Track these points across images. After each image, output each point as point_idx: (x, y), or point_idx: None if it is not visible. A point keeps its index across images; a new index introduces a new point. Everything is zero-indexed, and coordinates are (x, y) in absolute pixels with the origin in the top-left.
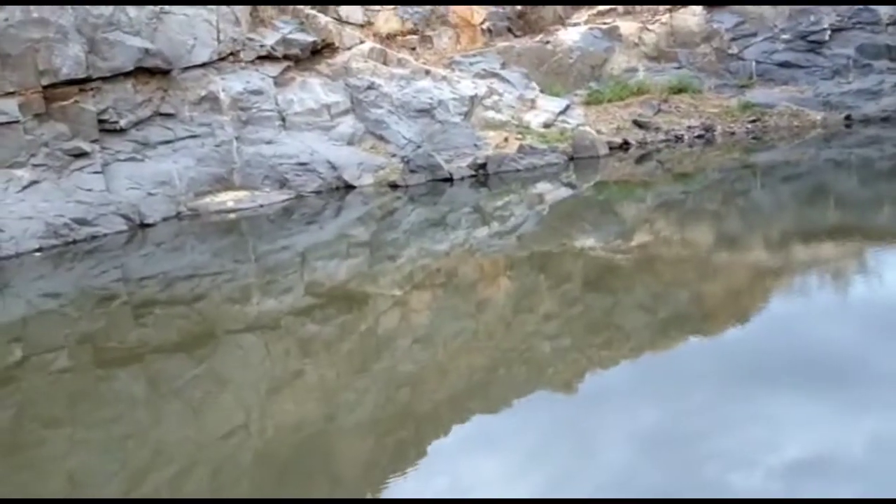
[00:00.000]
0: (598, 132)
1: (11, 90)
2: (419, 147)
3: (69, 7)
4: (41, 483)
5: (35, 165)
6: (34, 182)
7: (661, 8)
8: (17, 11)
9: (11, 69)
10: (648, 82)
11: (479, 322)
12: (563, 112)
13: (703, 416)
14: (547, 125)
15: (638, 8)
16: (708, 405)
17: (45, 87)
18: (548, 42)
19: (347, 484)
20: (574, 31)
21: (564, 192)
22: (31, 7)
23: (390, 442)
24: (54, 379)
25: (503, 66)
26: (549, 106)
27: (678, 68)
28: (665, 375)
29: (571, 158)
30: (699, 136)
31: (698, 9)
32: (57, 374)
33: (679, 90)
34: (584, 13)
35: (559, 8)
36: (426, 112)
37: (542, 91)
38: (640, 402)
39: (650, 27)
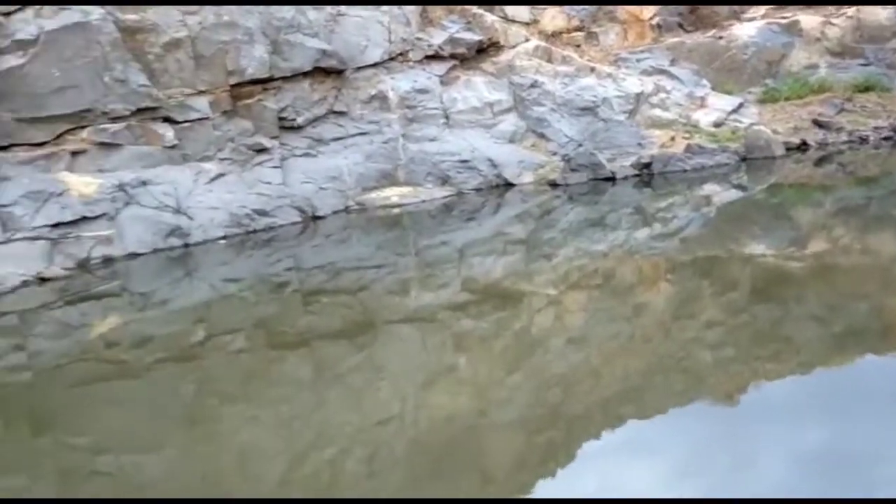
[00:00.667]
0: (774, 132)
1: (203, 89)
2: (581, 145)
3: (255, 10)
4: (218, 456)
5: (222, 159)
6: (220, 175)
7: None
8: (209, 15)
9: (204, 69)
10: (831, 80)
11: (637, 326)
12: (735, 110)
13: (878, 438)
14: (717, 124)
15: None
16: (885, 427)
17: (232, 86)
18: (721, 37)
19: (496, 480)
20: (750, 26)
21: (734, 194)
22: (222, 10)
23: (540, 441)
24: (231, 358)
25: (672, 62)
26: (721, 104)
27: (865, 65)
28: (837, 393)
29: (743, 159)
30: (886, 138)
31: None
32: (234, 354)
33: (865, 88)
34: (762, 7)
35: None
36: (589, 110)
37: (713, 88)
38: (808, 420)
39: (834, 21)
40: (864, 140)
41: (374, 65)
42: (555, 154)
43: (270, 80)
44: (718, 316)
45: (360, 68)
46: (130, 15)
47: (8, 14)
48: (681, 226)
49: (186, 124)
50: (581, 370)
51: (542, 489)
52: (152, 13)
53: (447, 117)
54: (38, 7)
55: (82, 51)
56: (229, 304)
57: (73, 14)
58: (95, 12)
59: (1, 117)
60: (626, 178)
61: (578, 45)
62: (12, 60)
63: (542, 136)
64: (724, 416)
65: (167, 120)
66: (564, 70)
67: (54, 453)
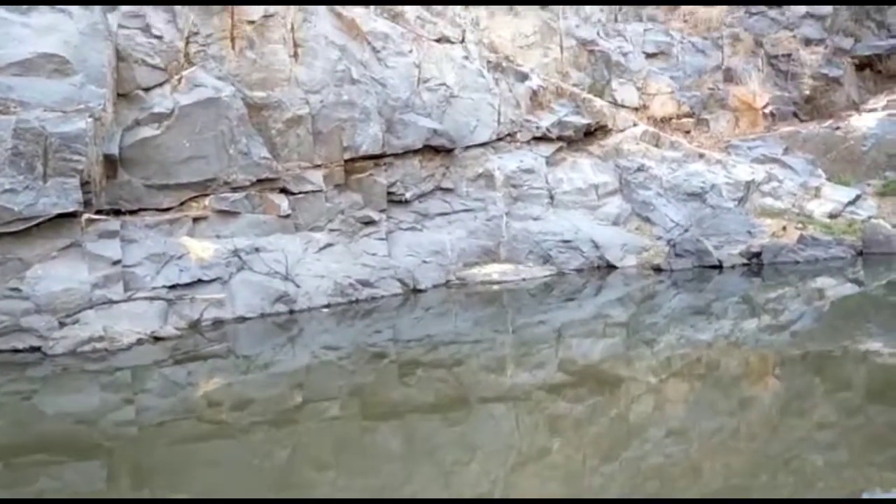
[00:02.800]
0: (894, 226)
1: (319, 163)
2: (686, 231)
3: (373, 90)
4: None
5: (331, 230)
6: (329, 245)
7: None
8: (330, 94)
9: (321, 145)
10: None
11: (741, 421)
12: (852, 202)
13: None
14: (833, 216)
15: None
16: None
17: (346, 161)
18: (838, 128)
19: None
20: (870, 117)
21: (850, 288)
22: (342, 90)
23: None
24: (326, 425)
25: (785, 151)
26: (837, 195)
27: None
28: None
29: (860, 253)
30: None
31: None
32: (329, 421)
33: None
34: (883, 98)
35: (852, 92)
36: (697, 196)
37: (828, 179)
38: None
39: None
40: None
41: (483, 144)
42: (660, 238)
43: (383, 156)
44: (831, 416)
45: (468, 147)
46: (258, 92)
47: (147, 89)
48: (791, 319)
49: (301, 195)
50: (680, 464)
51: None
52: (278, 91)
53: (552, 197)
54: (175, 83)
55: (212, 124)
56: (328, 372)
57: (206, 91)
58: (226, 89)
59: (132, 183)
60: (733, 266)
61: (688, 132)
62: (148, 131)
63: (647, 219)
64: None
65: (283, 191)
66: (672, 155)
67: None
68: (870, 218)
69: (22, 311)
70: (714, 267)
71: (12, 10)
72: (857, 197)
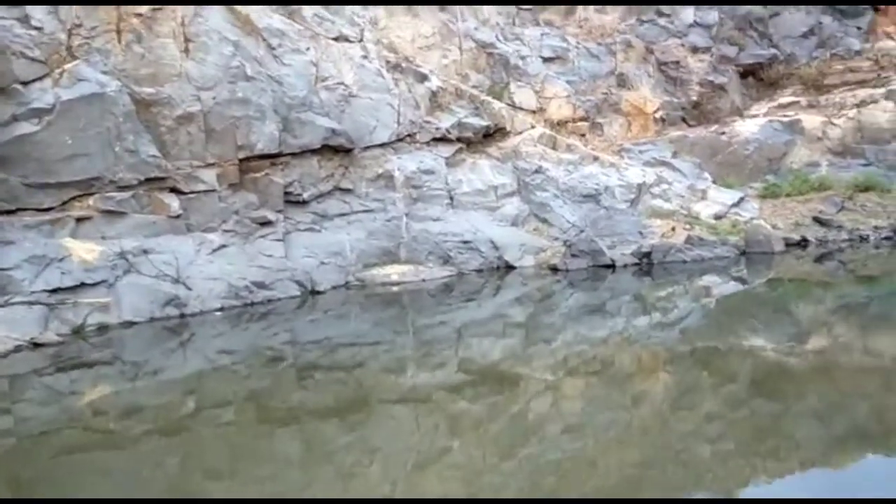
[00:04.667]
0: (774, 227)
1: (212, 161)
2: (582, 232)
3: (269, 88)
4: None
5: (225, 231)
6: (223, 246)
7: (849, 102)
8: (224, 91)
9: (214, 143)
10: (832, 178)
11: (634, 416)
12: (736, 204)
13: None
14: (718, 217)
15: (822, 101)
16: None
17: (241, 161)
18: (723, 133)
19: None
20: (752, 123)
21: (734, 286)
22: (236, 87)
23: None
24: (219, 432)
25: (674, 155)
26: (722, 197)
27: (865, 165)
28: (838, 493)
29: (743, 253)
30: (887, 238)
31: (890, 104)
32: (222, 427)
33: (866, 188)
34: (765, 105)
35: (737, 99)
36: (591, 197)
37: (714, 182)
38: None
39: (835, 121)
40: (864, 239)
41: (382, 145)
42: (556, 239)
43: (279, 155)
44: (717, 409)
45: (367, 147)
46: (146, 88)
47: (26, 83)
48: (680, 316)
49: (193, 195)
50: (576, 459)
51: None
52: (168, 87)
53: (451, 198)
54: (56, 77)
55: (96, 120)
56: (221, 377)
57: (90, 85)
58: (112, 84)
59: (9, 182)
60: (625, 266)
61: (583, 135)
62: (27, 127)
63: (544, 220)
64: None
65: (174, 190)
66: (568, 158)
67: None
68: (752, 219)
69: None
70: (607, 266)
71: None
72: (741, 199)
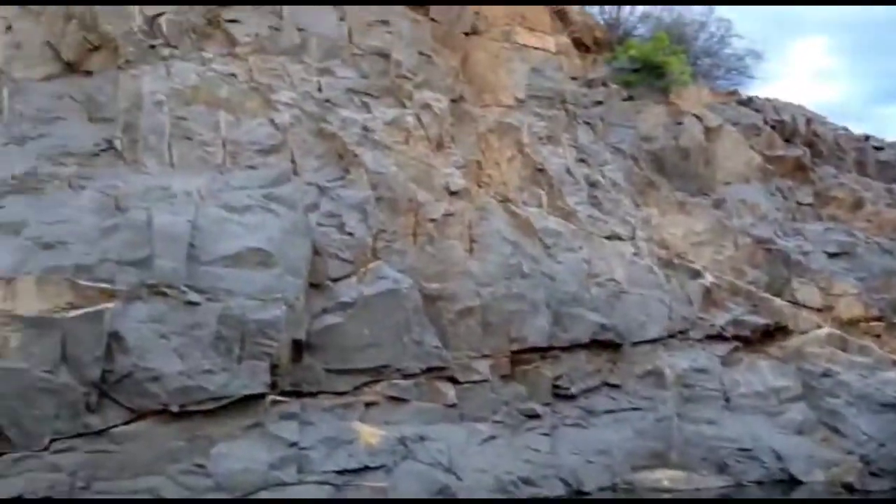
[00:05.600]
0: None
1: (487, 353)
2: (882, 446)
3: (542, 284)
4: None
5: (495, 422)
6: (492, 437)
7: None
8: (501, 287)
9: (490, 335)
10: None
11: None
12: None
13: None
14: None
15: None
16: None
17: (513, 353)
18: None
19: None
20: None
21: None
22: (513, 283)
23: None
24: None
25: None
26: None
27: None
28: None
29: None
30: None
31: None
32: None
33: None
34: None
35: None
36: (892, 407)
37: None
38: None
39: None
40: None
41: (652, 341)
42: (851, 453)
43: (549, 349)
44: None
45: (637, 343)
46: (434, 284)
47: (336, 280)
48: None
49: (467, 385)
50: None
51: None
52: (452, 283)
53: (727, 400)
54: (361, 275)
55: (390, 314)
56: None
57: (387, 283)
58: (405, 282)
59: (314, 367)
60: None
61: (878, 336)
62: (333, 319)
63: (835, 430)
64: None
65: (451, 380)
66: (862, 361)
67: None
68: None
69: (204, 487)
70: None
71: (231, 209)
72: None
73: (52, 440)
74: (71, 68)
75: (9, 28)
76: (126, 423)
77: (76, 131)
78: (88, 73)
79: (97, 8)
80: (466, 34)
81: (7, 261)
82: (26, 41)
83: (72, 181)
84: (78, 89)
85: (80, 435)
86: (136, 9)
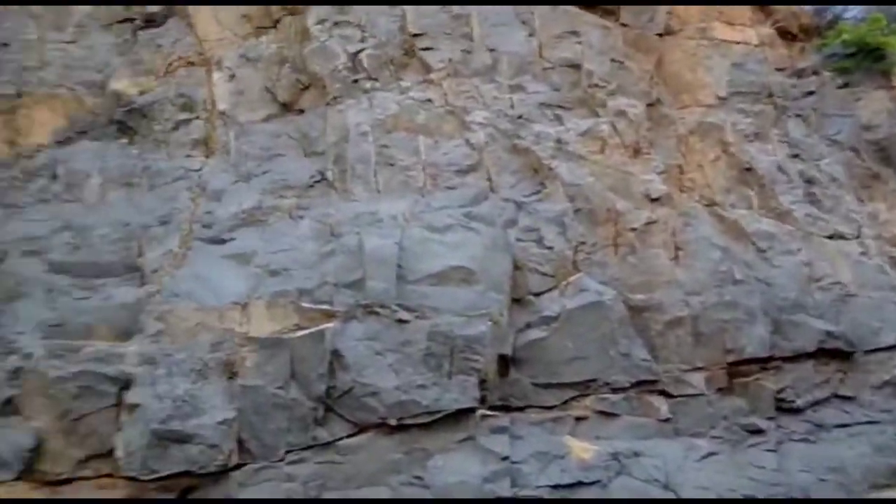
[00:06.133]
0: None
1: (700, 365)
2: None
3: (757, 290)
4: None
5: (713, 437)
6: (711, 453)
7: None
8: (712, 295)
9: (702, 346)
10: None
11: None
12: None
13: None
14: None
15: None
16: None
17: (729, 364)
18: None
19: None
20: None
21: None
22: (724, 290)
23: None
24: None
25: None
26: None
27: None
28: None
29: None
30: None
31: None
32: None
33: None
34: None
35: None
36: None
37: None
38: None
39: None
40: None
41: (889, 348)
42: None
43: (770, 359)
44: None
45: (870, 351)
46: (639, 295)
47: (538, 294)
48: None
49: (681, 399)
50: None
51: None
52: (658, 293)
53: None
54: (563, 288)
55: (594, 327)
56: None
57: (590, 295)
58: (608, 293)
59: (521, 382)
60: None
61: None
62: (537, 333)
63: None
64: None
65: (663, 393)
66: None
67: None
68: None
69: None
70: None
71: (433, 230)
72: None
73: (287, 451)
74: (286, 108)
75: (232, 76)
76: (350, 435)
77: (293, 166)
78: (301, 112)
79: (306, 50)
80: (660, 35)
81: (241, 287)
82: (247, 87)
83: (292, 212)
84: (293, 127)
85: (310, 447)
86: (339, 47)
